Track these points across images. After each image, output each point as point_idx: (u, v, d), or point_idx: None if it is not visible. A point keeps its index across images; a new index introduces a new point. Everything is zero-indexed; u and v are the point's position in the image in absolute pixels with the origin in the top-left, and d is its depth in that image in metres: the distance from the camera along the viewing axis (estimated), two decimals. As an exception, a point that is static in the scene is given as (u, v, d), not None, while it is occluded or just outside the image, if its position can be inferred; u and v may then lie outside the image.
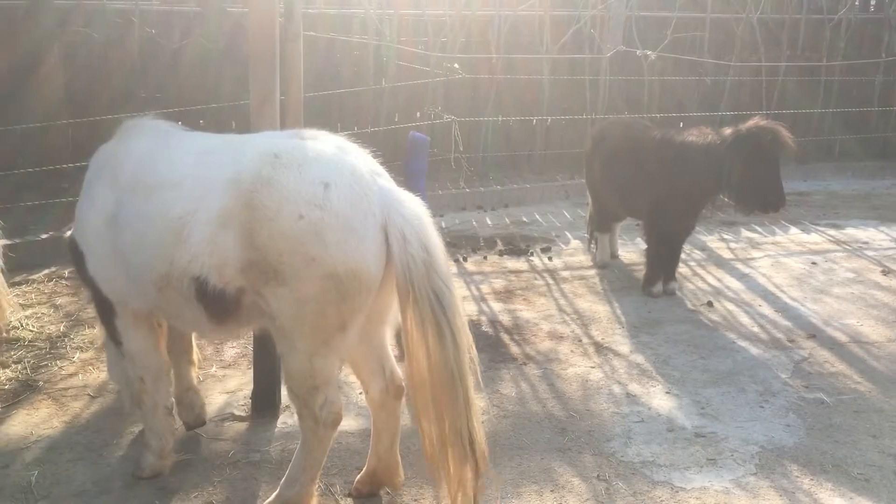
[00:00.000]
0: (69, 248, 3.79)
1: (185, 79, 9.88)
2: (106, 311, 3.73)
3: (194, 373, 4.38)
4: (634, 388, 4.95)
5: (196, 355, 4.39)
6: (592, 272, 7.38)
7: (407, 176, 6.66)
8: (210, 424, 4.39)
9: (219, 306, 3.33)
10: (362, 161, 3.37)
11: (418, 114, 10.94)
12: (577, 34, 11.44)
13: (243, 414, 4.53)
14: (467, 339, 3.30)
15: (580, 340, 5.70)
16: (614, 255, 7.79)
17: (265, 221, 3.13)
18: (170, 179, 3.38)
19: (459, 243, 8.30)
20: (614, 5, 11.32)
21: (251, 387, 4.61)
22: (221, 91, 9.64)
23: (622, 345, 5.63)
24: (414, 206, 3.31)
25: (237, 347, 5.44)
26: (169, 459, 3.93)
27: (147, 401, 3.84)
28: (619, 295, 6.73)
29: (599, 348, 5.57)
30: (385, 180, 3.37)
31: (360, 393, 4.61)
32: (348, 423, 4.32)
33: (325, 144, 3.37)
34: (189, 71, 9.92)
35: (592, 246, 7.81)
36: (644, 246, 7.03)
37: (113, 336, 3.80)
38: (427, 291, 3.19)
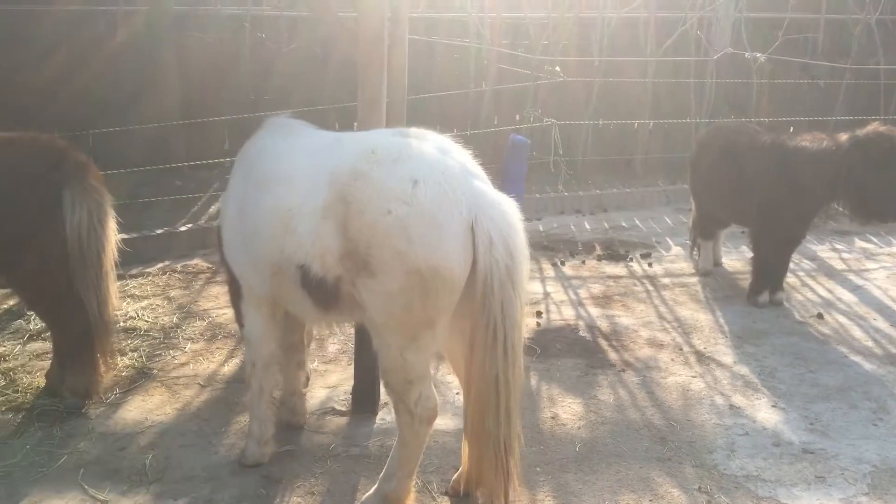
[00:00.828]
0: (216, 233, 4.14)
1: (292, 81, 10.18)
2: (235, 294, 4.00)
3: (303, 377, 4.51)
4: (738, 399, 4.81)
5: (307, 360, 4.52)
6: (694, 280, 7.21)
7: (506, 179, 6.66)
8: (312, 417, 4.51)
9: (321, 294, 3.45)
10: (459, 161, 3.37)
11: (517, 117, 10.92)
12: (683, 36, 11.18)
13: (343, 409, 4.63)
14: (519, 354, 3.28)
15: (681, 349, 5.57)
16: (718, 263, 7.58)
17: (357, 214, 3.21)
18: (284, 174, 3.57)
19: (557, 247, 8.24)
20: (722, 7, 11.02)
21: (352, 383, 4.71)
22: (325, 93, 9.89)
23: (725, 355, 5.48)
24: (506, 209, 3.27)
25: (338, 344, 5.56)
26: (269, 447, 4.07)
27: (254, 385, 4.01)
28: (723, 304, 6.54)
29: (701, 357, 5.43)
30: (480, 181, 3.35)
31: (458, 392, 4.65)
32: (445, 422, 4.35)
33: (425, 143, 3.41)
34: (296, 73, 10.21)
35: (695, 253, 7.62)
36: (750, 254, 6.82)
37: (238, 318, 4.05)
38: (499, 297, 3.19)
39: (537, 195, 9.91)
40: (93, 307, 4.57)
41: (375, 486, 3.65)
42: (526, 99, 10.84)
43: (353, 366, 4.75)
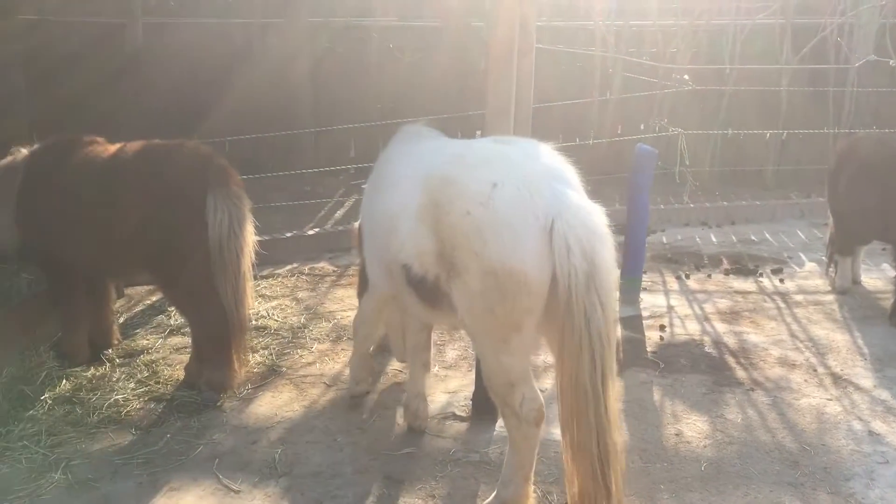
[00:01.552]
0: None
1: (417, 90, 10.39)
2: (363, 285, 4.54)
3: (427, 379, 4.60)
4: (878, 426, 4.54)
5: (431, 360, 4.62)
6: (830, 298, 6.85)
7: (632, 189, 6.55)
8: (432, 422, 4.57)
9: (424, 292, 3.60)
10: (546, 166, 3.36)
11: (642, 126, 10.73)
12: (821, 43, 10.68)
13: (464, 414, 4.68)
14: (609, 365, 3.19)
15: (815, 370, 5.31)
16: (856, 281, 7.18)
17: (443, 216, 3.34)
18: (395, 179, 3.82)
19: (681, 260, 8.03)
20: (865, 12, 10.46)
21: (472, 388, 4.75)
22: (450, 102, 10.02)
23: (864, 378, 5.18)
24: (588, 215, 3.20)
25: (458, 349, 5.62)
26: (361, 388, 4.81)
27: (355, 345, 4.78)
28: (862, 324, 6.19)
29: (837, 380, 5.16)
30: (565, 186, 3.29)
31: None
32: (566, 434, 4.32)
33: (514, 148, 3.47)
34: (421, 82, 10.41)
35: (831, 270, 7.24)
36: (892, 272, 6.42)
37: (359, 302, 4.71)
38: (582, 304, 3.12)
39: (661, 206, 9.69)
40: (230, 306, 4.81)
41: (494, 492, 3.66)
42: (652, 108, 10.64)
43: (473, 372, 4.79)
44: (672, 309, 6.55)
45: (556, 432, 3.52)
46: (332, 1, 10.69)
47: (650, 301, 6.72)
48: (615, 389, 3.27)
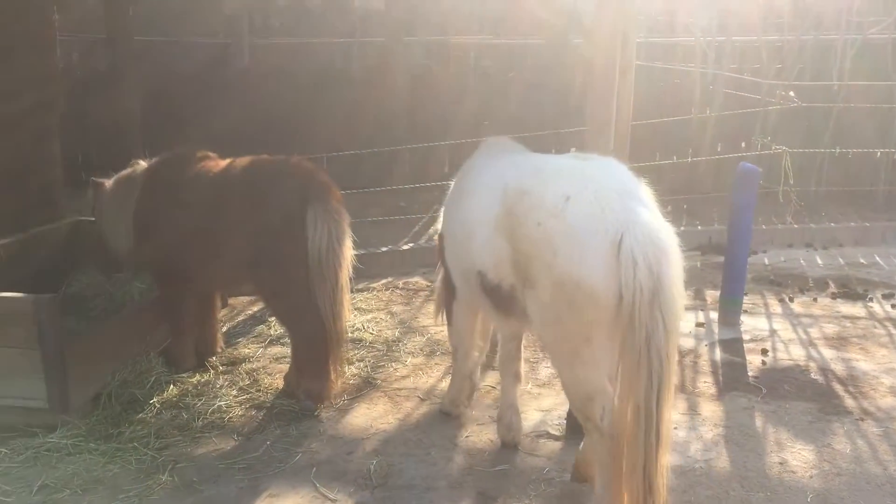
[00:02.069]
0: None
1: (513, 106, 10.42)
2: (448, 294, 4.65)
3: (519, 390, 4.58)
4: None
5: (522, 371, 4.60)
6: (947, 325, 6.49)
7: (734, 209, 6.38)
8: (526, 440, 4.55)
9: (498, 299, 3.76)
10: (620, 183, 3.40)
11: (743, 144, 10.44)
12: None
13: (557, 433, 4.63)
14: (667, 388, 3.18)
15: (931, 401, 5.04)
16: (976, 309, 6.78)
17: (518, 226, 3.46)
18: (475, 189, 3.98)
19: (784, 282, 7.75)
20: None
21: (565, 407, 4.70)
22: (546, 119, 10.01)
23: None
24: (657, 232, 3.21)
25: (551, 367, 5.57)
26: (458, 410, 4.81)
27: (455, 365, 4.81)
28: (983, 354, 5.84)
29: (956, 413, 4.87)
30: (637, 203, 3.30)
31: (675, 427, 4.51)
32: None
33: (590, 164, 3.54)
34: (518, 99, 10.44)
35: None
36: None
37: (448, 315, 4.75)
38: (643, 323, 3.13)
39: (763, 226, 9.38)
40: (328, 318, 4.91)
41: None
42: (754, 125, 10.34)
43: (568, 391, 4.74)
44: (775, 333, 6.33)
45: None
46: (429, 19, 10.86)
47: (751, 324, 6.51)
48: (670, 411, 3.28)
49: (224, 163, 5.23)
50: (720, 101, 10.45)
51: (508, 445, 4.48)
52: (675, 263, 3.21)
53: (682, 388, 5.22)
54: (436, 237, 5.10)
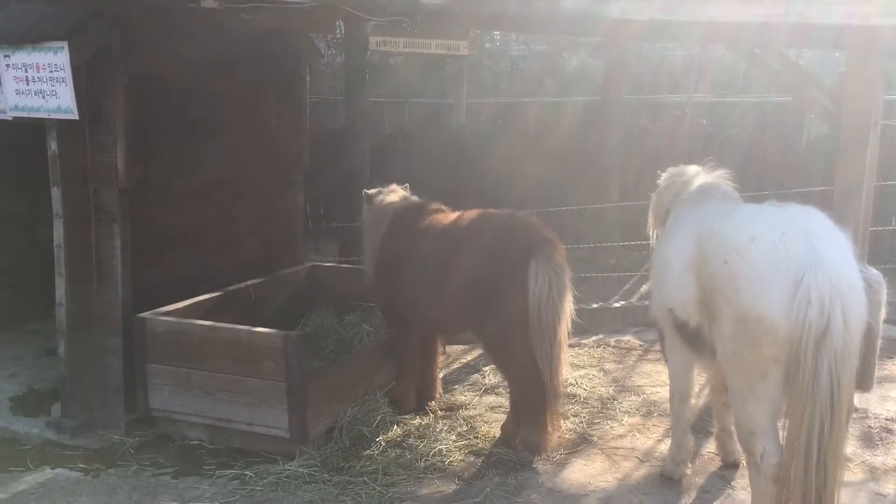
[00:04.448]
0: None
1: (731, 164, 10.07)
2: (661, 335, 4.69)
3: (731, 418, 4.45)
4: None
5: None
6: None
7: None
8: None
9: (688, 336, 4.00)
10: (810, 226, 3.46)
11: None
12: None
13: None
14: (835, 430, 3.23)
15: None
16: None
17: (705, 265, 3.66)
18: (676, 231, 4.24)
19: None
20: None
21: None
22: (767, 178, 9.61)
23: None
24: (839, 272, 3.26)
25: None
26: (682, 468, 4.65)
27: (673, 414, 4.70)
28: None
29: None
30: (826, 245, 3.35)
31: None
32: None
33: (783, 210, 3.62)
34: (736, 157, 10.10)
35: None
36: None
37: (664, 357, 4.81)
38: (811, 363, 3.20)
39: None
40: (546, 371, 4.96)
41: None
42: None
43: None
44: None
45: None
46: (649, 78, 10.85)
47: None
48: (838, 459, 3.28)
49: (454, 215, 5.48)
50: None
51: (728, 467, 4.75)
52: (853, 305, 3.26)
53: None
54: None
